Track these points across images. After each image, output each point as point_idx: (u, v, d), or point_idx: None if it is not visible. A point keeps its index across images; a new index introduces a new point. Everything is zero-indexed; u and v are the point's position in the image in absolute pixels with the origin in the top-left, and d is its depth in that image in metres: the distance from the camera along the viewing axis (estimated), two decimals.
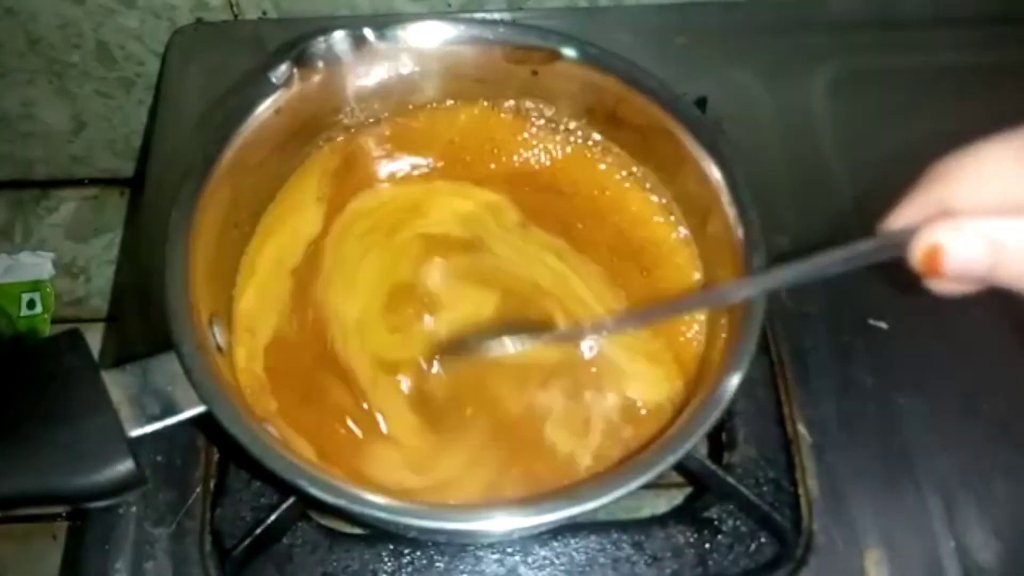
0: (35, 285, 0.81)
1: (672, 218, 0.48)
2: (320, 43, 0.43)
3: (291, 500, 0.45)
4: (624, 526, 0.47)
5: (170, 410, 0.35)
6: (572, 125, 0.50)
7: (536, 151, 0.50)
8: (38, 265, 0.82)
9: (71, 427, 0.33)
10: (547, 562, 0.46)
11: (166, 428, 0.35)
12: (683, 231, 0.48)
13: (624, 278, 0.47)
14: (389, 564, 0.46)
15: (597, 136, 0.50)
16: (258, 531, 0.45)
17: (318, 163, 0.49)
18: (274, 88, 0.43)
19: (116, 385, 0.35)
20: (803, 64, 0.64)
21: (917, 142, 0.60)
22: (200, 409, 0.35)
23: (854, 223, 0.57)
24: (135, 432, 0.34)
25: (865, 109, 0.62)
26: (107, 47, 0.70)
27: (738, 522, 0.47)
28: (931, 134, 0.60)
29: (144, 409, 0.35)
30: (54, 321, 0.81)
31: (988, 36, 0.66)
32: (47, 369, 0.34)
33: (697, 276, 0.47)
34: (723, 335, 0.40)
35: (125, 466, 0.33)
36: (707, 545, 0.46)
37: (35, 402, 0.33)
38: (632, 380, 0.44)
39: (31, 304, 0.80)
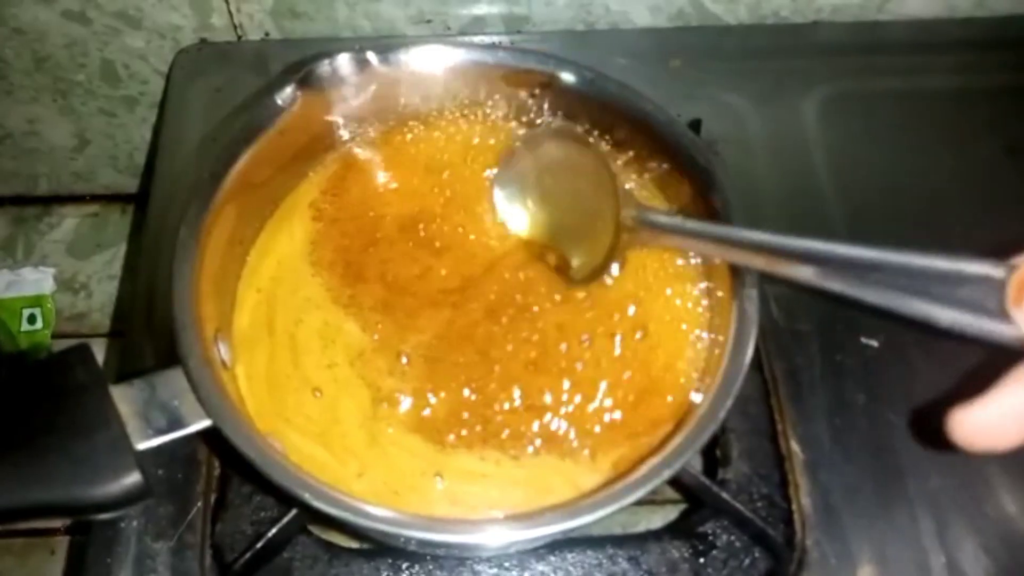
0: (36, 300, 0.82)
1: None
2: (325, 66, 0.44)
3: (292, 514, 0.46)
4: (620, 541, 0.48)
5: (176, 424, 0.36)
6: None
7: None
8: (39, 280, 0.83)
9: (81, 440, 0.33)
10: None
11: (172, 441, 0.36)
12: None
13: None
14: None
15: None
16: (258, 545, 0.45)
17: (315, 182, 0.50)
18: (279, 109, 0.44)
19: (124, 399, 0.35)
20: (795, 87, 0.65)
21: (905, 164, 0.62)
22: (206, 423, 0.36)
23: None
24: (142, 445, 0.35)
25: (855, 131, 0.63)
26: (112, 66, 0.71)
27: (732, 537, 0.48)
28: (918, 156, 0.62)
29: (151, 423, 0.35)
30: (55, 336, 0.81)
31: (973, 61, 0.67)
32: (57, 383, 0.35)
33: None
34: (717, 352, 0.41)
35: (133, 478, 0.33)
36: (702, 560, 0.47)
37: (46, 415, 0.34)
38: None
39: (32, 319, 0.81)
